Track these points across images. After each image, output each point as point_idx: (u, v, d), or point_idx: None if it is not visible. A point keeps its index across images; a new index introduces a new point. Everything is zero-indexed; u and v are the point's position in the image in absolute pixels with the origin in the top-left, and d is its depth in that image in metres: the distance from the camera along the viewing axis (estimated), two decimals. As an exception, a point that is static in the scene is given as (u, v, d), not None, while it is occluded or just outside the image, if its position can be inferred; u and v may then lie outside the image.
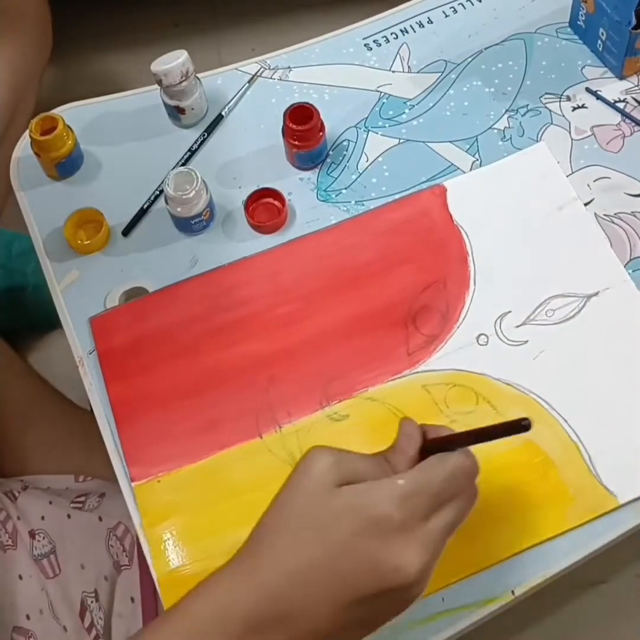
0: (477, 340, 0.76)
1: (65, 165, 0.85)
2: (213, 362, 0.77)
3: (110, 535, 0.84)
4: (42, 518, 0.81)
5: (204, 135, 0.87)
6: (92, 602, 0.79)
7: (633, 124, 0.85)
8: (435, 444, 0.56)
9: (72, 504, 0.84)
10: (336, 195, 0.84)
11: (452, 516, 0.52)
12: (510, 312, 0.77)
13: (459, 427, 0.71)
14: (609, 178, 0.83)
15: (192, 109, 0.87)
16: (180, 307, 0.79)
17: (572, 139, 0.85)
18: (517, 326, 0.76)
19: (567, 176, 0.83)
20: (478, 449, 0.70)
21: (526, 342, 0.75)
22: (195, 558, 0.69)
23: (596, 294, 0.77)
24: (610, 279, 0.77)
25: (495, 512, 0.69)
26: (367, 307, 0.78)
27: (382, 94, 0.89)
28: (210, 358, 0.77)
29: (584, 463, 0.70)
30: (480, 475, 0.69)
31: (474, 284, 0.78)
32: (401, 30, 0.93)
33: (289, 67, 0.91)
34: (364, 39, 0.93)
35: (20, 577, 0.76)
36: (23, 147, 0.88)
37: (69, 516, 0.83)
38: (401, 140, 0.87)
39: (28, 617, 0.74)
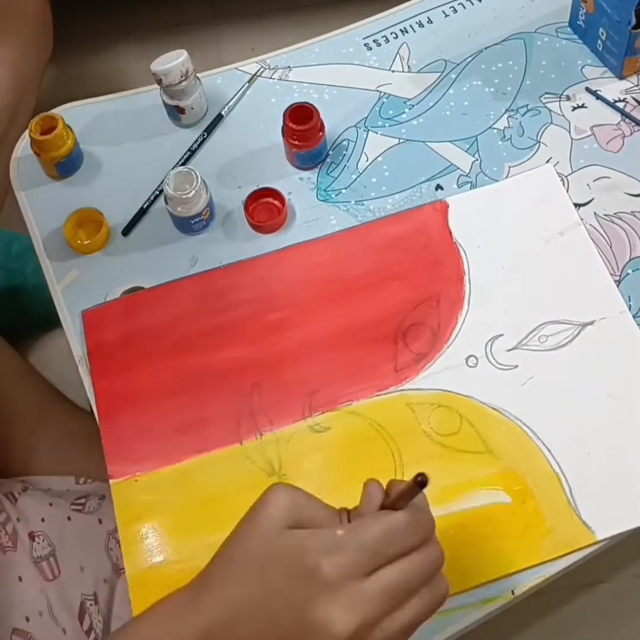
0: (467, 362, 0.75)
1: (65, 165, 0.85)
2: (199, 364, 0.76)
3: (110, 538, 0.83)
4: (42, 520, 0.81)
5: (204, 135, 0.87)
6: (91, 605, 0.79)
7: (633, 123, 0.85)
8: (392, 504, 0.53)
9: (72, 506, 0.84)
10: (336, 195, 0.84)
11: (396, 579, 0.49)
12: (502, 335, 0.76)
13: (441, 448, 0.71)
14: (608, 178, 0.83)
15: (192, 108, 0.87)
16: (171, 305, 0.79)
17: (572, 139, 0.85)
18: (508, 350, 0.75)
19: (566, 176, 0.83)
20: (456, 475, 0.70)
21: (516, 366, 0.74)
22: (167, 560, 0.69)
23: (591, 323, 0.76)
24: (608, 309, 0.76)
25: (468, 538, 0.68)
26: (357, 319, 0.77)
27: (382, 93, 0.89)
28: (196, 359, 0.77)
29: (564, 495, 0.69)
30: (456, 502, 0.69)
31: (468, 304, 0.77)
32: (401, 30, 0.93)
33: (288, 67, 0.91)
34: (363, 38, 0.93)
35: (20, 579, 0.76)
36: (23, 147, 0.88)
37: (69, 518, 0.83)
38: (401, 140, 0.87)
39: (27, 619, 0.74)
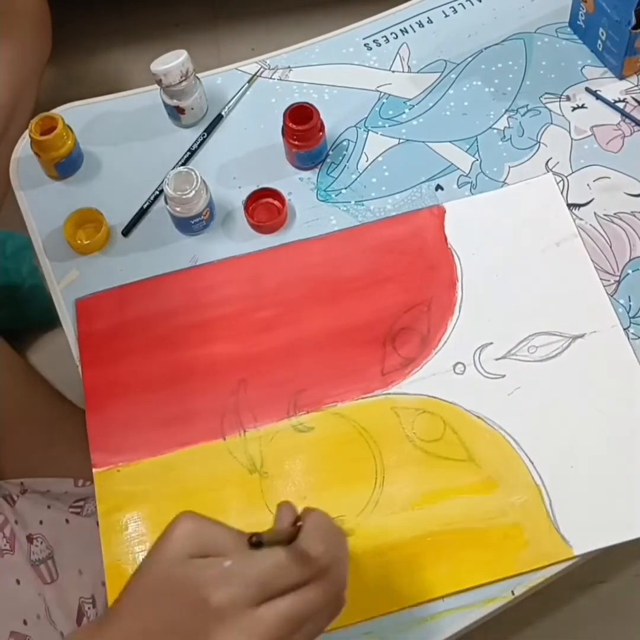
0: (454, 369, 0.75)
1: (65, 165, 0.85)
2: (187, 358, 0.77)
3: None
4: (40, 523, 0.81)
5: (204, 135, 0.87)
6: (89, 608, 0.79)
7: (633, 123, 0.85)
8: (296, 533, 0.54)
9: (71, 509, 0.84)
10: (336, 195, 0.84)
11: (290, 608, 0.49)
12: (491, 343, 0.75)
13: (423, 454, 0.71)
14: (608, 178, 0.83)
15: (192, 108, 0.87)
16: (163, 298, 0.79)
17: (572, 139, 0.85)
18: (497, 359, 0.75)
19: (566, 176, 0.83)
20: (436, 481, 0.70)
21: (503, 376, 0.74)
22: (145, 551, 0.69)
23: (582, 336, 0.75)
24: (599, 323, 0.76)
25: (445, 546, 0.68)
26: (347, 321, 0.77)
27: (382, 93, 0.89)
28: (185, 353, 0.77)
29: (544, 508, 0.69)
30: (435, 508, 0.69)
31: (459, 311, 0.77)
32: (401, 30, 0.93)
33: (288, 67, 0.91)
34: (363, 38, 0.93)
35: (18, 582, 0.75)
36: (23, 147, 0.88)
37: (67, 521, 0.83)
38: (401, 140, 0.87)
39: (25, 623, 0.74)
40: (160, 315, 0.79)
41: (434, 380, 0.74)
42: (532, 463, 0.70)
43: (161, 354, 0.77)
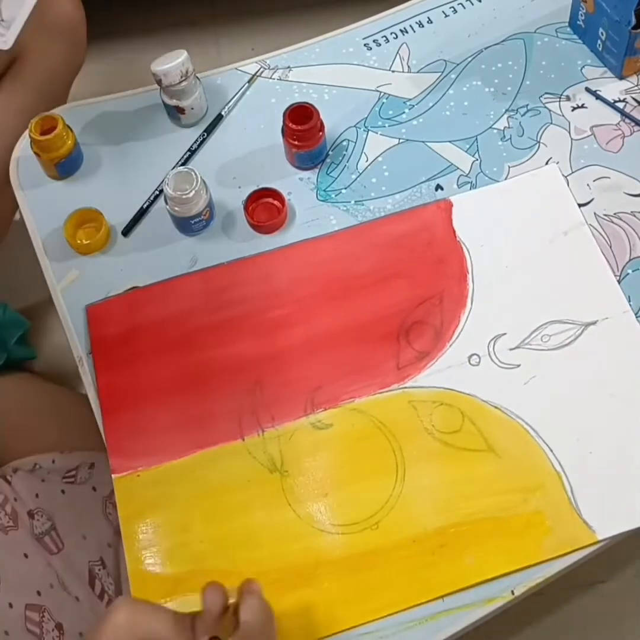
0: (469, 360, 0.75)
1: (65, 165, 0.85)
2: (202, 360, 0.77)
3: (106, 503, 0.84)
4: (37, 496, 0.81)
5: (204, 135, 0.87)
6: (99, 569, 0.80)
7: (633, 123, 0.85)
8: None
9: (64, 479, 0.84)
10: (336, 195, 0.84)
11: None
12: (505, 334, 0.76)
13: (442, 446, 0.72)
14: (608, 178, 0.83)
15: (192, 108, 0.87)
16: (175, 301, 0.79)
17: (571, 139, 0.85)
18: (511, 349, 0.75)
19: (566, 176, 0.83)
20: (457, 472, 0.70)
21: (518, 365, 0.75)
22: (166, 557, 0.69)
23: (594, 322, 0.76)
24: (611, 309, 0.76)
25: (469, 536, 0.68)
26: (359, 317, 0.78)
27: (382, 93, 0.89)
28: (199, 355, 0.77)
29: (565, 494, 0.69)
30: (456, 500, 0.69)
31: (471, 303, 0.78)
32: (401, 30, 0.93)
33: (288, 67, 0.91)
34: (363, 38, 0.93)
35: (26, 556, 0.76)
36: (23, 147, 0.88)
37: (63, 491, 0.83)
38: (401, 140, 0.87)
39: (39, 593, 0.74)
40: (172, 318, 0.79)
41: (449, 373, 0.75)
42: (551, 450, 0.71)
43: (175, 356, 0.77)
